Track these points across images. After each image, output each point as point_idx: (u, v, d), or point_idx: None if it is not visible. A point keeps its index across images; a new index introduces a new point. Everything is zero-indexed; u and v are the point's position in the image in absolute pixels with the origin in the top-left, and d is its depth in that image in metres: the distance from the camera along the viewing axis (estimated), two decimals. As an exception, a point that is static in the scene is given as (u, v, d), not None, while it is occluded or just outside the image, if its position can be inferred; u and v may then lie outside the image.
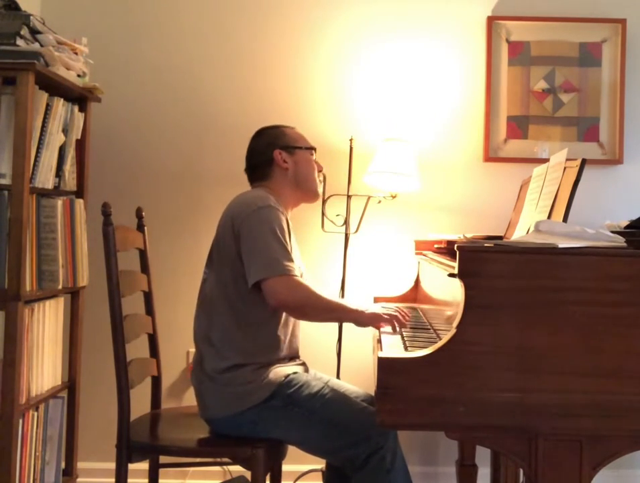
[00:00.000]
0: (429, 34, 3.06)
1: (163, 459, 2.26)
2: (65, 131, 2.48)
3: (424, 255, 2.60)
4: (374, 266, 3.02)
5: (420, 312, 2.44)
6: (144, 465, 2.30)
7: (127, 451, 2.09)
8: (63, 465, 2.59)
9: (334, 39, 3.06)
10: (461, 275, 1.54)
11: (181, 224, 3.02)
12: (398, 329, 2.05)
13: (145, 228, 2.51)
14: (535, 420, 1.52)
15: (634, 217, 1.93)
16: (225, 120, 3.02)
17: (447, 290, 1.88)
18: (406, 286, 2.78)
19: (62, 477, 2.56)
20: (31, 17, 2.25)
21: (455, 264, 1.56)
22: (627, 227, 1.89)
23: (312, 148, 2.35)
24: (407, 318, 2.16)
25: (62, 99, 2.41)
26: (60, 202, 2.41)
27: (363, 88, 3.05)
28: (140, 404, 2.32)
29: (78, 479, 2.70)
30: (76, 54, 2.50)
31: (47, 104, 2.33)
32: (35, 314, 2.33)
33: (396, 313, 2.11)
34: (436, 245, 2.48)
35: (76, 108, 2.55)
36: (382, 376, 1.52)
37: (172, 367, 2.94)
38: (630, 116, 3.03)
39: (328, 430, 2.04)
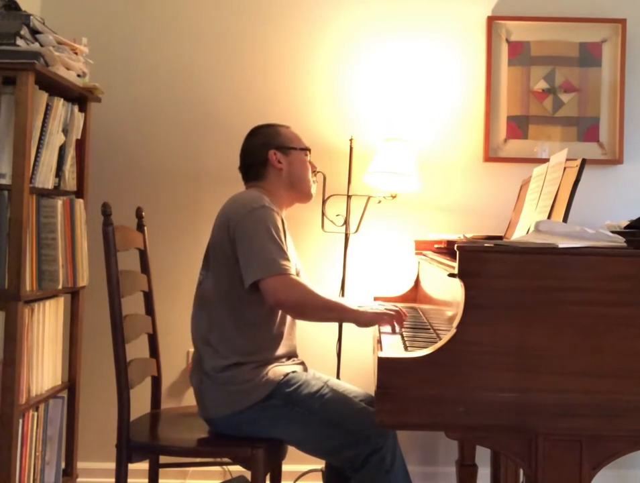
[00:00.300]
0: (429, 34, 3.06)
1: (163, 459, 2.26)
2: (65, 131, 2.48)
3: (424, 255, 2.60)
4: (374, 266, 3.02)
5: (420, 312, 2.44)
6: (144, 465, 2.30)
7: (127, 451, 2.09)
8: (63, 465, 2.59)
9: (334, 39, 3.06)
10: (461, 275, 1.54)
11: (181, 224, 3.02)
12: (397, 329, 2.05)
13: (145, 228, 2.51)
14: (535, 420, 1.52)
15: (634, 217, 1.93)
16: (224, 120, 3.02)
17: (447, 290, 1.88)
18: (406, 286, 2.78)
19: (62, 477, 2.56)
20: (31, 17, 2.25)
21: (455, 264, 1.56)
22: (627, 227, 1.89)
23: (306, 149, 2.35)
24: (405, 317, 2.16)
25: (62, 99, 2.41)
26: (60, 202, 2.41)
27: (363, 88, 3.05)
28: (140, 404, 2.32)
29: (78, 479, 2.70)
30: (76, 53, 2.50)
31: (47, 104, 2.33)
32: (35, 314, 2.33)
33: (395, 312, 2.12)
34: (436, 245, 2.48)
35: (76, 108, 2.55)
36: (382, 375, 1.52)
37: (172, 367, 2.94)
38: (630, 116, 3.03)
39: (327, 430, 2.04)
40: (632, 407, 1.52)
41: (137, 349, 2.32)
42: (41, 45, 2.28)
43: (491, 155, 3.04)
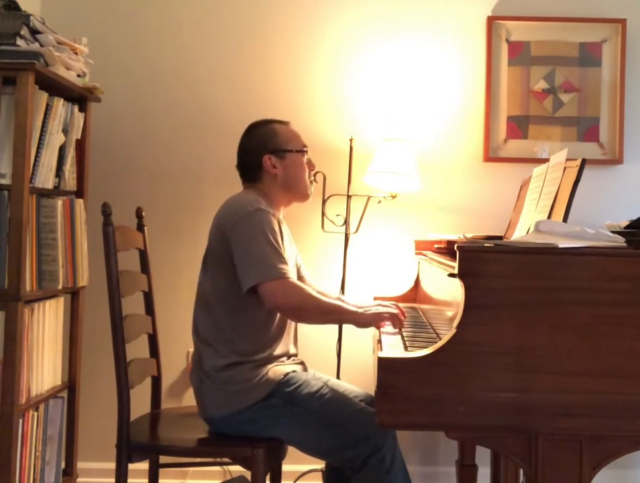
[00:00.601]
0: (428, 34, 3.06)
1: (163, 459, 2.26)
2: (65, 131, 2.48)
3: (424, 255, 2.60)
4: (374, 266, 3.02)
5: (420, 312, 2.44)
6: (144, 465, 2.30)
7: (127, 451, 2.09)
8: (63, 465, 2.59)
9: (334, 39, 3.06)
10: (461, 275, 1.54)
11: (181, 224, 3.02)
12: (397, 328, 2.06)
13: (145, 228, 2.51)
14: (535, 420, 1.52)
15: (634, 217, 1.93)
16: (224, 120, 3.02)
17: (447, 290, 1.88)
18: (406, 286, 2.78)
19: (62, 477, 2.56)
20: (31, 17, 2.25)
21: (455, 264, 1.56)
22: (627, 227, 1.89)
23: (303, 151, 2.31)
24: (404, 317, 2.16)
25: (62, 99, 2.41)
26: (60, 202, 2.41)
27: (363, 88, 3.05)
28: (140, 404, 2.32)
29: (78, 479, 2.70)
30: (76, 53, 2.50)
31: (47, 104, 2.33)
32: (35, 314, 2.33)
33: (395, 311, 2.13)
34: (436, 245, 2.48)
35: (76, 108, 2.55)
36: (382, 375, 1.53)
37: (172, 367, 2.94)
38: (630, 116, 3.03)
39: (327, 430, 2.04)
40: (632, 407, 1.52)
41: (137, 349, 2.32)
42: (41, 45, 2.28)
43: (491, 155, 3.04)
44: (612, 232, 1.68)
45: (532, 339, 1.52)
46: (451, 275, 1.61)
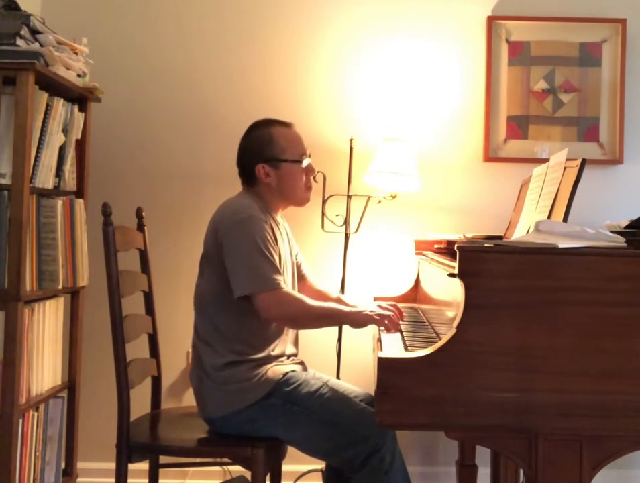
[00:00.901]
0: (428, 34, 3.06)
1: (163, 459, 2.26)
2: (65, 131, 2.48)
3: (424, 255, 2.60)
4: (374, 266, 3.02)
5: (420, 312, 2.44)
6: (144, 465, 2.30)
7: (127, 451, 2.09)
8: (63, 465, 2.59)
9: (334, 39, 3.06)
10: (461, 275, 1.54)
11: (181, 224, 3.02)
12: (392, 328, 2.05)
13: (145, 228, 2.51)
14: (535, 420, 1.52)
15: (634, 217, 1.93)
16: (224, 120, 3.02)
17: (447, 290, 1.88)
18: (406, 286, 2.78)
19: (62, 477, 2.56)
20: (31, 17, 2.25)
21: (455, 264, 1.56)
22: (627, 227, 1.89)
23: (299, 161, 2.24)
24: (402, 316, 2.16)
25: (62, 99, 2.41)
26: (60, 202, 2.41)
27: (363, 88, 3.05)
28: (140, 404, 2.32)
29: (78, 479, 2.70)
30: (76, 53, 2.50)
31: (47, 104, 2.33)
32: (35, 314, 2.33)
33: (390, 312, 2.12)
34: (436, 245, 2.48)
35: (76, 108, 2.55)
36: (382, 375, 1.53)
37: (172, 367, 2.94)
38: (630, 116, 3.03)
39: (326, 430, 2.04)
40: (632, 407, 1.52)
41: (137, 349, 2.32)
42: (41, 45, 2.28)
43: (491, 155, 3.04)
44: (612, 232, 1.68)
45: (532, 339, 1.52)
46: (451, 275, 1.61)
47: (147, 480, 2.34)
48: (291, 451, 2.22)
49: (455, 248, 1.56)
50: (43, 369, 2.41)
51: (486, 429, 1.55)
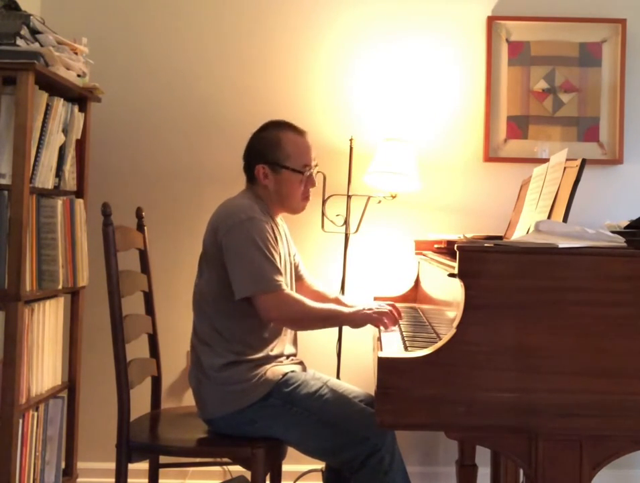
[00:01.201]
0: (428, 34, 3.06)
1: (163, 459, 2.26)
2: (65, 131, 2.48)
3: (424, 255, 2.60)
4: (374, 266, 3.02)
5: (420, 312, 2.44)
6: (144, 465, 2.30)
7: (127, 451, 2.09)
8: (63, 465, 2.59)
9: (334, 39, 3.06)
10: (461, 275, 1.54)
11: (181, 224, 3.02)
12: (390, 327, 2.06)
13: (145, 228, 2.51)
14: (535, 420, 1.52)
15: (634, 217, 1.93)
16: (224, 120, 3.02)
17: (447, 290, 1.88)
18: (406, 286, 2.78)
19: (62, 477, 2.56)
20: (31, 17, 2.25)
21: (455, 264, 1.56)
22: (627, 227, 1.89)
23: (300, 171, 2.23)
24: (399, 316, 2.17)
25: (62, 99, 2.41)
26: (60, 202, 2.41)
27: (363, 88, 3.05)
28: (140, 404, 2.32)
29: (78, 479, 2.70)
30: (76, 53, 2.50)
31: (47, 104, 2.33)
32: (35, 314, 2.33)
33: (387, 311, 2.13)
34: (436, 245, 2.48)
35: (76, 108, 2.55)
36: (382, 375, 1.53)
37: (172, 367, 2.93)
38: (630, 116, 3.03)
39: (326, 430, 2.04)
40: (632, 407, 1.52)
41: (137, 349, 2.32)
42: (41, 45, 2.28)
43: (491, 155, 3.04)
44: (612, 232, 1.68)
45: (532, 339, 1.52)
46: (451, 275, 1.61)
47: (147, 480, 2.34)
48: (291, 451, 2.22)
49: (455, 248, 1.56)
50: (43, 369, 2.41)
51: (486, 429, 1.55)
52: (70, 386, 2.63)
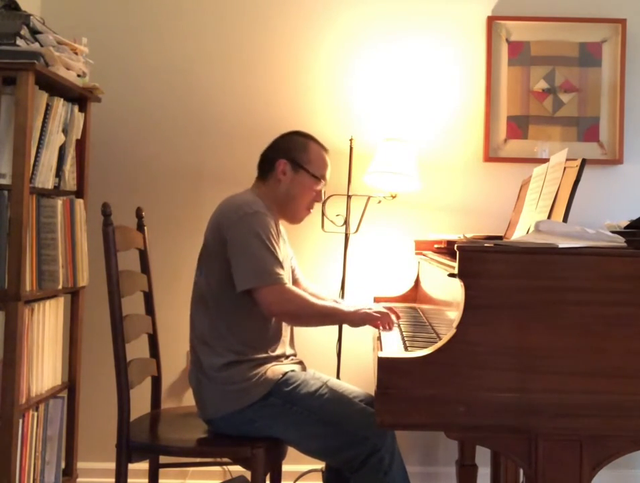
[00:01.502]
0: (429, 34, 3.06)
1: (163, 459, 2.26)
2: (65, 131, 2.48)
3: (424, 255, 2.60)
4: (374, 266, 3.02)
5: (420, 312, 2.44)
6: (144, 465, 2.30)
7: (127, 451, 2.09)
8: (63, 465, 2.59)
9: (334, 40, 3.06)
10: (461, 275, 1.54)
11: (181, 224, 3.02)
12: (388, 327, 2.07)
13: (145, 228, 2.51)
14: (535, 420, 1.52)
15: (634, 217, 1.93)
16: (224, 120, 3.02)
17: (447, 290, 1.88)
18: (406, 286, 2.78)
19: (62, 477, 2.56)
20: (31, 17, 2.25)
21: (455, 264, 1.56)
22: (627, 227, 1.89)
23: (319, 178, 2.28)
24: (398, 316, 2.18)
25: (62, 99, 2.41)
26: (60, 202, 2.41)
27: (363, 88, 3.05)
28: (140, 404, 2.32)
29: (78, 480, 2.70)
30: (76, 53, 2.50)
31: (47, 104, 2.33)
32: (35, 314, 2.33)
33: (386, 312, 2.14)
34: (436, 245, 2.48)
35: (76, 108, 2.55)
36: (382, 375, 1.53)
37: (172, 367, 2.93)
38: (630, 116, 3.03)
39: (325, 430, 2.04)
40: (632, 407, 1.52)
41: (137, 349, 2.32)
42: (41, 45, 2.28)
43: (491, 155, 3.04)
44: (612, 232, 1.68)
45: (532, 339, 1.52)
46: (451, 275, 1.61)
47: (147, 480, 2.34)
48: (291, 451, 2.22)
49: (455, 248, 1.56)
50: (43, 369, 2.41)
51: (486, 429, 1.55)
52: (70, 386, 2.63)
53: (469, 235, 2.19)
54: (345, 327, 2.81)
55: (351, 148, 2.91)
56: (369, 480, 1.99)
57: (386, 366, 1.53)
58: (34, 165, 2.27)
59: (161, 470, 2.35)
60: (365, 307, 2.17)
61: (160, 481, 2.36)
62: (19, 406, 2.22)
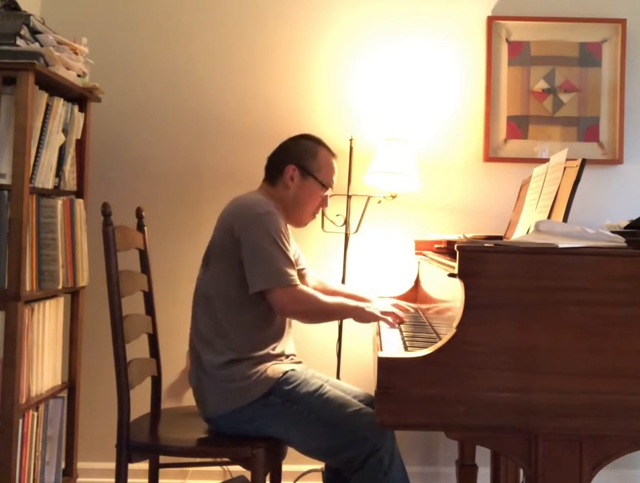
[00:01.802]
0: (429, 34, 3.06)
1: (163, 459, 2.26)
2: (65, 131, 2.48)
3: (424, 255, 2.60)
4: (374, 266, 3.02)
5: (420, 312, 2.44)
6: (144, 465, 2.30)
7: (127, 451, 2.09)
8: (63, 465, 2.59)
9: (334, 40, 3.06)
10: (461, 275, 1.54)
11: (181, 224, 3.02)
12: (395, 325, 2.10)
13: (145, 228, 2.51)
14: (535, 420, 1.52)
15: (634, 217, 1.93)
16: (224, 120, 3.02)
17: (447, 290, 1.88)
18: (406, 286, 2.78)
19: (62, 477, 2.56)
20: (31, 17, 2.25)
21: (455, 264, 1.56)
22: (627, 227, 1.89)
23: (326, 186, 2.32)
24: (406, 312, 2.21)
25: (62, 99, 2.41)
26: (60, 202, 2.41)
27: (363, 88, 3.05)
28: (140, 404, 2.31)
29: (78, 480, 2.71)
30: (76, 53, 2.50)
31: (47, 104, 2.33)
32: (35, 314, 2.33)
33: (394, 309, 2.18)
34: (436, 245, 2.48)
35: (76, 108, 2.55)
36: (382, 376, 1.52)
37: (172, 367, 2.93)
38: (630, 116, 3.03)
39: (325, 429, 2.05)
40: (632, 407, 1.52)
41: (137, 349, 2.32)
42: (41, 45, 2.28)
43: (491, 155, 3.04)
44: (612, 232, 1.68)
45: (532, 339, 1.51)
46: (451, 275, 1.61)
47: (147, 480, 2.34)
48: (291, 451, 2.22)
49: (455, 248, 1.56)
50: (43, 369, 2.41)
51: (486, 429, 1.55)
52: (70, 386, 2.63)
53: (469, 235, 2.19)
54: (346, 327, 2.82)
55: (351, 148, 2.91)
56: (369, 480, 1.99)
57: (386, 366, 1.53)
58: (34, 165, 2.27)
59: (161, 470, 2.35)
60: (373, 305, 2.21)
61: (160, 481, 2.36)
62: (19, 406, 2.22)
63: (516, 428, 1.53)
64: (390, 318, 2.14)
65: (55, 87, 2.38)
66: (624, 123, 3.01)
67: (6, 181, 2.20)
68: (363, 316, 2.16)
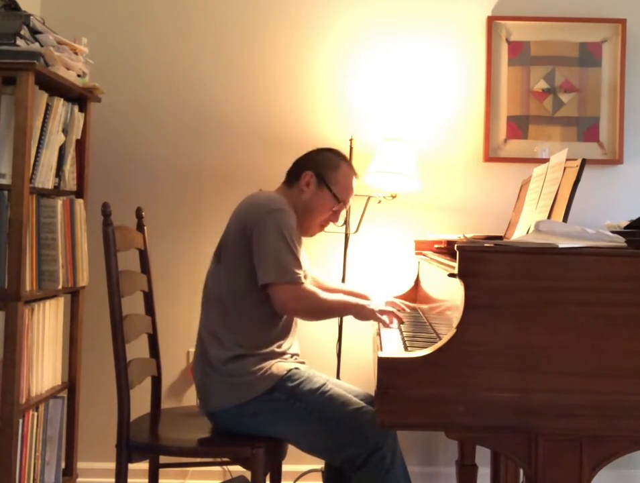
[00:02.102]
0: (429, 34, 3.06)
1: (163, 459, 2.26)
2: (65, 131, 2.48)
3: (424, 255, 2.60)
4: (374, 266, 3.02)
5: (420, 312, 2.44)
6: (144, 465, 2.30)
7: (127, 451, 2.09)
8: (63, 465, 2.59)
9: (334, 39, 3.06)
10: (461, 275, 1.54)
11: (181, 224, 3.01)
12: (395, 325, 2.11)
13: (145, 228, 2.51)
14: (535, 420, 1.52)
15: (634, 217, 1.93)
16: (225, 120, 3.02)
17: (447, 290, 1.88)
18: (406, 286, 2.78)
19: (62, 477, 2.56)
20: (31, 17, 2.25)
21: (455, 264, 1.56)
22: (627, 227, 1.89)
23: (339, 201, 2.32)
24: (402, 311, 2.22)
25: (62, 99, 2.41)
26: (60, 202, 2.41)
27: (363, 88, 3.05)
28: (140, 404, 2.32)
29: (78, 479, 2.71)
30: (76, 53, 2.50)
31: (47, 104, 2.33)
32: (35, 314, 2.33)
33: (393, 309, 2.19)
34: (436, 245, 2.48)
35: (76, 108, 2.55)
36: (382, 376, 1.52)
37: (172, 367, 2.94)
38: (630, 116, 3.03)
39: (328, 427, 2.05)
40: (632, 407, 1.52)
41: (137, 349, 2.32)
42: (41, 45, 2.28)
43: (491, 155, 3.04)
44: (612, 232, 1.68)
45: (532, 339, 1.52)
46: (451, 275, 1.61)
47: (147, 480, 2.34)
48: (291, 450, 2.22)
49: (455, 248, 1.56)
50: (43, 369, 2.41)
51: (486, 429, 1.55)
52: (70, 386, 2.63)
53: (469, 235, 2.19)
54: (346, 327, 2.82)
55: (351, 148, 2.91)
56: (370, 479, 1.99)
57: (386, 366, 1.53)
58: (34, 165, 2.27)
59: (161, 470, 2.35)
60: (374, 303, 2.22)
61: (160, 481, 2.36)
62: (19, 406, 2.22)
63: (516, 428, 1.53)
64: (386, 319, 2.15)
65: (55, 87, 2.38)
66: (624, 123, 3.01)
67: (6, 181, 2.20)
68: (363, 313, 2.17)
